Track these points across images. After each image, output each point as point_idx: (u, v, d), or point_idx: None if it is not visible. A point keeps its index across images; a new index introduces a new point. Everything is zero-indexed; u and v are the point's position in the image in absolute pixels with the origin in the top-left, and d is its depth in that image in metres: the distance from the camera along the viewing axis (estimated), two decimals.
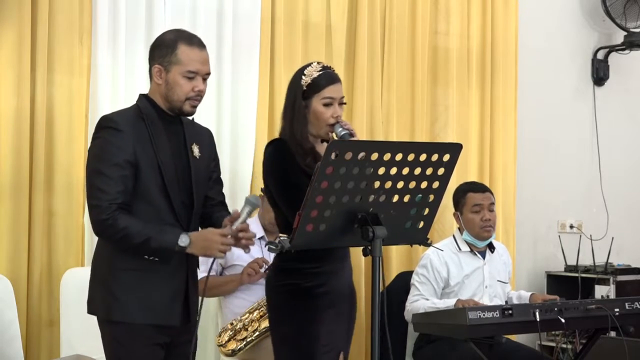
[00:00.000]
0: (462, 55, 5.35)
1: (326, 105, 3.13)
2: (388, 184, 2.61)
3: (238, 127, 4.59)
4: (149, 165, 2.89)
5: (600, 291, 5.37)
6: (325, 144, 3.15)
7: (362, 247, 2.64)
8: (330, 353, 3.11)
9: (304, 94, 3.15)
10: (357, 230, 2.60)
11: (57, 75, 4.12)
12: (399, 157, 2.57)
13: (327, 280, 3.12)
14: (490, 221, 4.31)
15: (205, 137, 3.14)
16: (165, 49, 2.96)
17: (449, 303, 4.08)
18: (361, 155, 2.50)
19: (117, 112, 3.03)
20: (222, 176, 4.41)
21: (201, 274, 4.21)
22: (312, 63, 3.23)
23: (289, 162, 3.10)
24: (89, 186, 2.91)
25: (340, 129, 3.08)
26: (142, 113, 2.95)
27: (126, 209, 2.84)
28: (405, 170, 2.60)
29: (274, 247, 2.62)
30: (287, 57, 4.70)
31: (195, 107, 2.99)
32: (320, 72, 3.17)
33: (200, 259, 4.24)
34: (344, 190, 2.54)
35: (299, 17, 4.78)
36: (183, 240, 2.83)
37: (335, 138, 3.10)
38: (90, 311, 2.99)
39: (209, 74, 3.03)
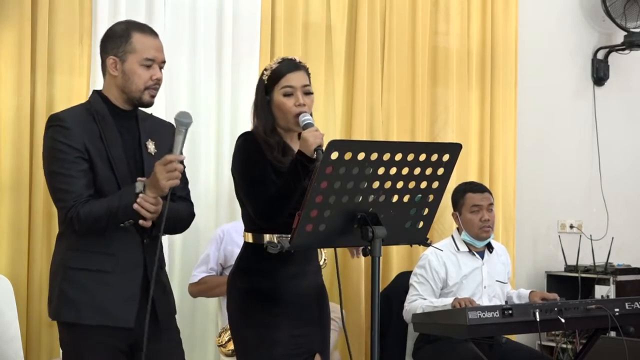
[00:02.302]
0: (462, 56, 5.35)
1: (286, 95, 3.00)
2: (387, 184, 2.60)
3: (238, 127, 4.58)
4: (100, 161, 2.80)
5: (600, 291, 5.37)
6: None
7: (361, 247, 2.63)
8: (297, 358, 3.01)
9: (265, 88, 3.05)
10: (356, 230, 2.59)
11: (57, 75, 4.13)
12: (398, 157, 2.56)
13: (289, 282, 3.02)
14: (489, 221, 4.31)
15: (165, 132, 2.97)
16: (119, 39, 2.85)
17: (446, 302, 4.07)
18: (361, 155, 2.50)
19: (66, 110, 2.95)
20: (221, 176, 4.49)
21: (201, 274, 4.23)
22: (278, 57, 3.13)
23: (256, 156, 2.99)
24: (51, 190, 2.83)
25: (305, 116, 2.95)
26: (93, 109, 2.86)
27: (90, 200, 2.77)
28: (405, 170, 2.60)
29: (273, 247, 2.61)
30: None
31: (154, 96, 2.89)
32: (279, 63, 3.05)
33: (199, 260, 4.26)
34: (343, 190, 2.53)
35: (299, 17, 4.78)
36: (138, 187, 2.73)
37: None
38: (49, 313, 2.91)
39: (164, 61, 2.92)
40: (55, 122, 2.82)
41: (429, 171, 2.64)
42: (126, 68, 2.84)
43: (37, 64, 4.05)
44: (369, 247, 2.57)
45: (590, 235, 5.67)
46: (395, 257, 5.00)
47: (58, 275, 2.87)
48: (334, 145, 2.46)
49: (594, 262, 5.49)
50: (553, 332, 5.18)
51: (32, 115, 4.04)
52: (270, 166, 2.97)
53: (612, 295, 5.30)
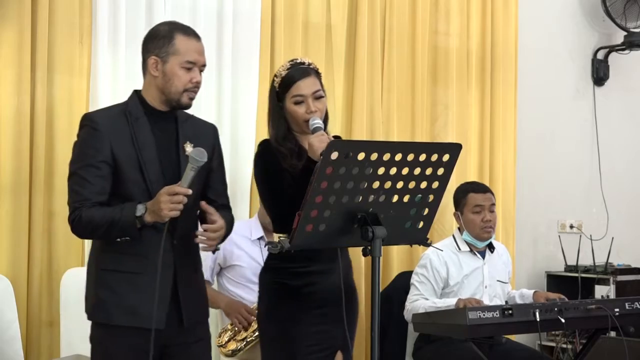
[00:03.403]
0: (462, 55, 5.35)
1: (297, 103, 3.01)
2: (387, 184, 2.61)
3: (238, 127, 4.59)
4: (129, 165, 2.79)
5: (600, 291, 5.37)
6: None
7: (361, 247, 2.63)
8: (318, 353, 3.04)
9: (277, 95, 3.06)
10: (356, 230, 2.60)
11: (57, 75, 4.13)
12: (398, 157, 2.57)
13: (315, 280, 3.06)
14: (491, 222, 4.30)
15: (206, 135, 2.99)
16: (162, 39, 2.85)
17: (449, 303, 4.07)
18: (361, 155, 2.50)
19: (100, 110, 2.97)
20: None
21: None
22: (287, 61, 3.13)
23: (273, 165, 3.02)
24: (68, 188, 2.85)
25: (314, 120, 2.96)
26: (127, 110, 2.86)
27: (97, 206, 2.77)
28: (405, 171, 2.60)
29: (273, 247, 2.62)
30: (287, 57, 4.64)
31: (192, 99, 2.89)
32: (289, 69, 3.05)
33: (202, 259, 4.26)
34: (343, 190, 2.54)
35: (299, 17, 4.78)
36: (139, 209, 2.72)
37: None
38: (85, 310, 2.95)
39: (205, 65, 2.93)
40: (87, 122, 2.84)
41: (429, 171, 2.64)
42: (167, 69, 2.84)
43: (37, 64, 4.05)
44: (369, 247, 2.57)
45: (590, 235, 5.67)
46: (396, 257, 5.00)
47: (91, 275, 2.91)
48: (334, 145, 2.46)
49: (594, 262, 5.49)
50: (553, 332, 5.18)
51: (32, 115, 4.03)
52: (287, 173, 3.00)
53: (612, 295, 5.30)
